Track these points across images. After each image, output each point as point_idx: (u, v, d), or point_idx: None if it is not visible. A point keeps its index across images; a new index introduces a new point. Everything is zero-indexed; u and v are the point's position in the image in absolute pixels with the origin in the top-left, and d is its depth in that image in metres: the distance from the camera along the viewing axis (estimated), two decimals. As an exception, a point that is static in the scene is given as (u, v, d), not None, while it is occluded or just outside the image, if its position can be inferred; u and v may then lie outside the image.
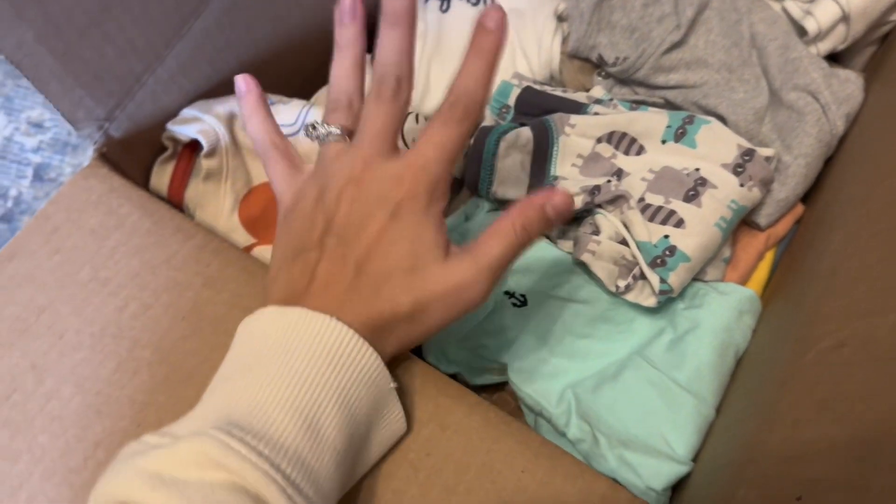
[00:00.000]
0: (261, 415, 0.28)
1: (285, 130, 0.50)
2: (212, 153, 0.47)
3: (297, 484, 0.27)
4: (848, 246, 0.39)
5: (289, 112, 0.50)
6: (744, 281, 0.52)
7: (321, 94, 0.55)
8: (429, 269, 0.33)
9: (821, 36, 0.55)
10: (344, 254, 0.33)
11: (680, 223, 0.47)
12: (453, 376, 0.56)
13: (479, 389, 0.55)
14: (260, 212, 0.48)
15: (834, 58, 0.60)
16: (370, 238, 0.33)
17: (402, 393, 0.37)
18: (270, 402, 0.28)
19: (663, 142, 0.50)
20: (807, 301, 0.39)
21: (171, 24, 0.45)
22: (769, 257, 0.54)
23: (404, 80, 0.34)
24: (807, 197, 0.55)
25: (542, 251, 0.49)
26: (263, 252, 0.47)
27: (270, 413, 0.28)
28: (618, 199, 0.48)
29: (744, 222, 0.54)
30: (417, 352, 0.53)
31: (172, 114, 0.49)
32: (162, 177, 0.50)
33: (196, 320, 0.40)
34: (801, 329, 0.38)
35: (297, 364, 0.29)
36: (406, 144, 0.52)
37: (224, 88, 0.52)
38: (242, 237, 0.47)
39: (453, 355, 0.51)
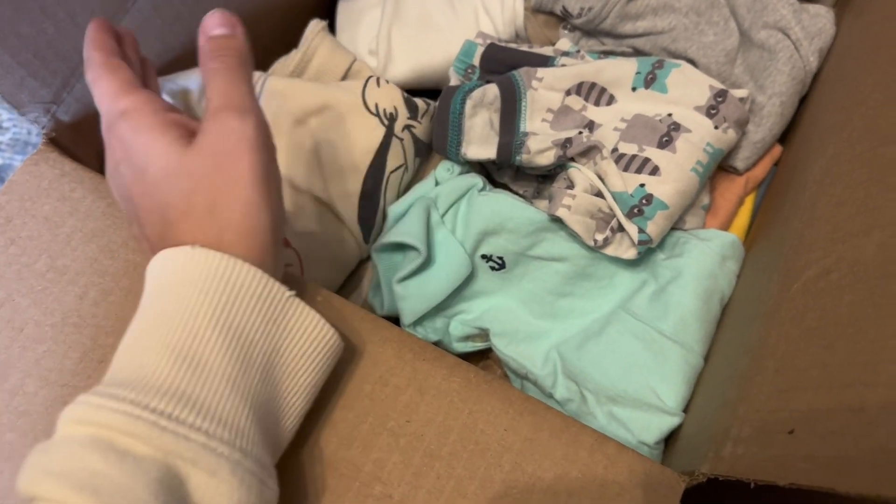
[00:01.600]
0: (135, 365, 0.28)
1: None
2: None
3: (174, 415, 0.27)
4: (829, 173, 0.38)
5: None
6: (725, 227, 0.51)
7: (278, 64, 0.53)
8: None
9: (787, -28, 0.54)
10: None
11: (655, 170, 0.46)
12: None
13: (465, 358, 0.54)
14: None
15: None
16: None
17: (376, 360, 0.35)
18: (142, 350, 0.29)
19: (633, 89, 0.49)
20: (790, 234, 0.38)
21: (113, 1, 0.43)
22: (749, 202, 0.53)
23: None
24: (784, 138, 0.53)
25: (517, 211, 0.48)
26: None
27: (142, 359, 0.28)
28: (590, 151, 0.46)
29: (721, 167, 0.53)
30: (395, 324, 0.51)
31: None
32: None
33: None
34: (786, 262, 0.37)
35: (165, 305, 0.29)
36: (372, 110, 0.50)
37: (177, 64, 0.50)
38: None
39: (431, 324, 0.49)
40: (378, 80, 0.50)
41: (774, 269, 0.38)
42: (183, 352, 0.28)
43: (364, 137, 0.48)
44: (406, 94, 0.51)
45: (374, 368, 0.35)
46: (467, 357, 0.53)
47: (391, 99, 0.49)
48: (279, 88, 0.47)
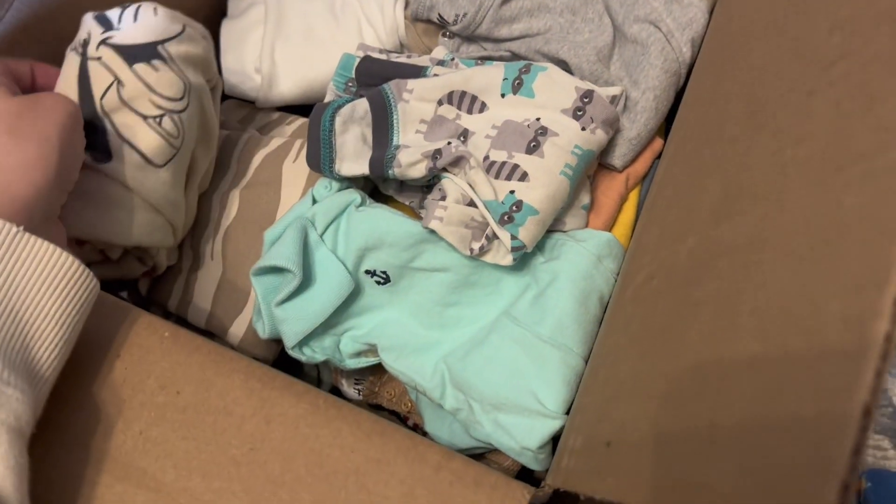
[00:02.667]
0: None
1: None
2: None
3: None
4: (666, 173, 0.38)
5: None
6: (608, 224, 0.51)
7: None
8: None
9: (658, -36, 0.54)
10: None
11: (524, 176, 0.46)
12: (327, 367, 0.55)
13: (360, 373, 0.54)
14: None
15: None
16: None
17: (221, 391, 0.35)
18: None
19: (503, 95, 0.49)
20: (635, 238, 0.38)
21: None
22: (633, 197, 0.53)
23: None
24: (667, 130, 0.54)
25: (395, 225, 0.48)
26: None
27: None
28: (460, 161, 0.46)
29: (602, 166, 0.53)
30: (281, 348, 0.51)
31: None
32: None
33: None
34: (626, 265, 0.37)
35: None
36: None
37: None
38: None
39: (318, 344, 0.49)
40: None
41: (620, 273, 0.38)
42: None
43: (63, 80, 0.45)
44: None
45: (219, 399, 0.35)
46: (363, 372, 0.53)
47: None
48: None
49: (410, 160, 0.47)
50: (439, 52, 0.55)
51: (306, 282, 0.47)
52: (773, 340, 0.20)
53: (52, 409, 0.33)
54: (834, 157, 0.23)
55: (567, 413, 0.44)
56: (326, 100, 0.53)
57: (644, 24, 0.52)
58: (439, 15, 0.55)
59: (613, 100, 0.49)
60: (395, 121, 0.49)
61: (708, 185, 0.31)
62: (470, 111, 0.50)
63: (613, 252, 0.48)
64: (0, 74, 0.38)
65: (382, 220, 0.48)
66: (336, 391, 0.56)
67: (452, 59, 0.53)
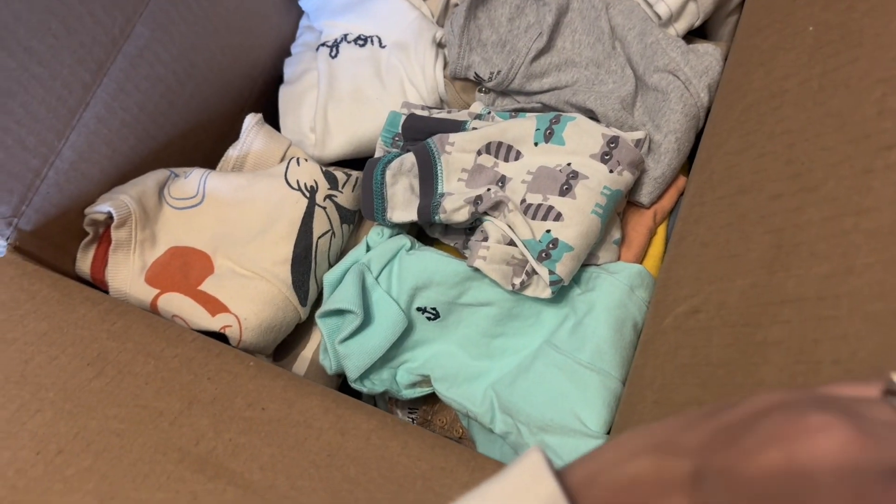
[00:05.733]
0: None
1: (187, 203, 0.54)
2: (121, 224, 0.51)
3: None
4: (693, 211, 0.42)
5: (189, 184, 0.54)
6: (639, 258, 0.56)
7: (222, 161, 0.59)
8: None
9: (674, 17, 0.59)
10: None
11: (559, 217, 0.50)
12: (382, 397, 0.59)
13: (415, 403, 0.59)
14: (162, 266, 0.51)
15: (701, 32, 0.64)
16: None
17: (301, 409, 0.40)
18: None
19: (536, 144, 0.54)
20: (662, 269, 0.42)
21: (59, 117, 0.49)
22: (661, 231, 0.57)
23: None
24: (689, 168, 0.58)
25: (442, 265, 0.52)
26: (168, 299, 0.51)
27: None
28: (499, 205, 0.51)
29: (631, 203, 0.57)
30: (343, 385, 0.56)
31: (83, 199, 0.53)
32: (85, 260, 0.53)
33: (102, 365, 0.43)
34: (658, 294, 0.41)
35: None
36: (294, 186, 0.55)
37: (130, 167, 0.56)
38: (147, 293, 0.51)
39: (377, 377, 0.54)
40: (298, 160, 0.56)
41: (652, 301, 0.42)
42: None
43: (289, 210, 0.54)
44: (325, 169, 0.57)
45: (299, 415, 0.40)
46: (416, 401, 0.58)
47: (311, 174, 0.55)
48: (215, 183, 0.53)
49: (454, 206, 0.52)
50: (476, 106, 0.60)
51: (365, 321, 0.52)
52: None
53: (150, 420, 0.38)
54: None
55: (608, 433, 0.48)
56: (376, 155, 0.59)
57: (664, 74, 0.56)
58: (476, 73, 0.61)
59: (638, 143, 0.54)
60: (439, 171, 0.54)
61: (752, 234, 0.34)
62: (506, 159, 0.55)
63: (645, 282, 0.52)
64: None
65: (431, 262, 0.53)
66: (391, 421, 0.60)
67: (489, 113, 0.58)
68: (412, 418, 0.60)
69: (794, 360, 0.28)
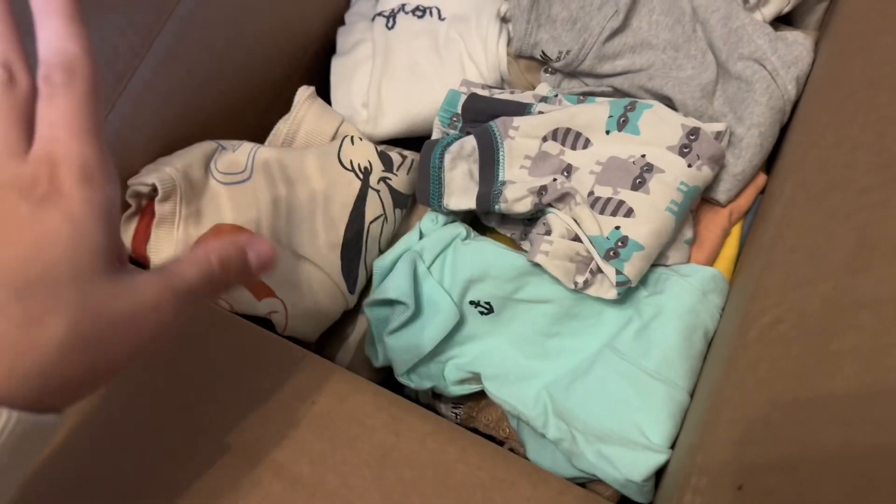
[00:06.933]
0: None
1: (235, 178, 0.51)
2: (166, 198, 0.48)
3: None
4: (786, 215, 0.38)
5: (238, 158, 0.51)
6: (711, 260, 0.52)
7: (271, 135, 0.56)
8: (94, 282, 0.26)
9: (762, 1, 0.54)
10: None
11: (630, 212, 0.47)
12: (426, 390, 0.57)
13: (460, 400, 0.56)
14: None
15: (787, 19, 0.60)
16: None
17: (354, 404, 0.38)
18: None
19: (607, 132, 0.50)
20: (751, 278, 0.39)
21: (105, 83, 0.46)
22: (736, 232, 0.53)
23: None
24: (771, 165, 0.54)
25: (499, 258, 0.49)
26: None
27: None
28: (565, 197, 0.48)
29: (705, 200, 0.53)
30: (389, 373, 0.53)
31: (126, 169, 0.50)
32: (127, 233, 0.51)
33: None
34: (746, 304, 0.38)
35: None
36: (347, 167, 0.52)
37: (176, 137, 0.53)
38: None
39: (425, 371, 0.51)
40: (353, 138, 0.52)
41: (736, 312, 0.38)
42: None
43: (341, 192, 0.51)
44: (380, 149, 0.54)
45: (351, 411, 0.38)
46: (461, 396, 0.55)
47: (365, 154, 0.52)
48: (265, 158, 0.50)
49: (516, 196, 0.49)
50: (542, 88, 0.57)
51: (415, 312, 0.49)
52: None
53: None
54: None
55: (672, 447, 0.45)
56: (434, 136, 0.55)
57: (749, 62, 0.52)
58: (543, 52, 0.57)
59: (718, 136, 0.50)
60: (501, 157, 0.51)
61: (838, 233, 0.31)
62: (574, 147, 0.51)
63: (719, 287, 0.48)
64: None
65: (487, 254, 0.50)
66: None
67: (556, 96, 0.54)
68: (456, 413, 0.57)
69: (865, 369, 0.25)
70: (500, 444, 0.57)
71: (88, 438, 0.37)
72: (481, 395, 0.55)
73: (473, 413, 0.57)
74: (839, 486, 0.24)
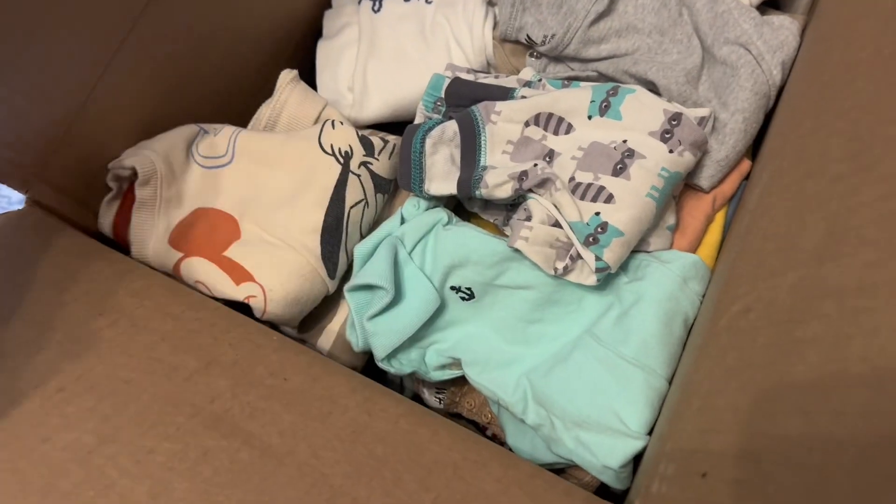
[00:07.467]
0: None
1: (216, 162, 0.51)
2: (146, 182, 0.48)
3: None
4: (761, 204, 0.38)
5: (219, 141, 0.51)
6: (694, 246, 0.52)
7: (253, 119, 0.55)
8: None
9: (749, -15, 0.54)
10: None
11: (610, 198, 0.47)
12: (409, 376, 0.57)
13: (443, 385, 0.56)
14: (187, 228, 0.49)
15: (776, 3, 0.59)
16: None
17: (326, 385, 0.38)
18: None
19: (589, 117, 0.50)
20: (728, 263, 0.39)
21: (86, 66, 0.46)
22: (720, 218, 0.53)
23: None
24: (755, 151, 0.53)
25: (480, 243, 0.49)
26: (191, 264, 0.48)
27: None
28: (546, 182, 0.47)
29: (688, 186, 0.53)
30: (371, 359, 0.53)
31: (107, 153, 0.50)
32: (108, 216, 0.51)
33: (115, 316, 0.41)
34: (718, 293, 0.37)
35: None
36: (328, 151, 0.52)
37: (160, 121, 0.53)
38: (171, 256, 0.48)
39: (405, 356, 0.51)
40: (333, 122, 0.52)
41: (711, 300, 0.38)
42: None
43: (322, 176, 0.50)
44: (361, 134, 0.54)
45: (324, 391, 0.38)
46: (445, 381, 0.55)
47: (346, 139, 0.52)
48: (246, 142, 0.50)
49: (497, 181, 0.48)
50: (527, 73, 0.56)
51: (396, 298, 0.49)
52: (888, 390, 0.20)
53: (163, 373, 0.36)
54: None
55: (649, 434, 0.45)
56: (417, 120, 0.55)
57: (734, 47, 0.51)
58: (527, 36, 0.56)
59: (702, 121, 0.50)
60: (482, 142, 0.50)
61: (809, 222, 0.31)
62: (556, 132, 0.50)
63: (699, 274, 0.48)
64: None
65: (468, 239, 0.50)
66: (417, 399, 0.58)
67: (540, 81, 0.54)
68: (439, 398, 0.57)
69: (827, 359, 0.25)
70: (483, 429, 0.57)
71: (37, 387, 0.37)
72: (464, 380, 0.55)
73: (456, 398, 0.57)
74: (799, 476, 0.24)
